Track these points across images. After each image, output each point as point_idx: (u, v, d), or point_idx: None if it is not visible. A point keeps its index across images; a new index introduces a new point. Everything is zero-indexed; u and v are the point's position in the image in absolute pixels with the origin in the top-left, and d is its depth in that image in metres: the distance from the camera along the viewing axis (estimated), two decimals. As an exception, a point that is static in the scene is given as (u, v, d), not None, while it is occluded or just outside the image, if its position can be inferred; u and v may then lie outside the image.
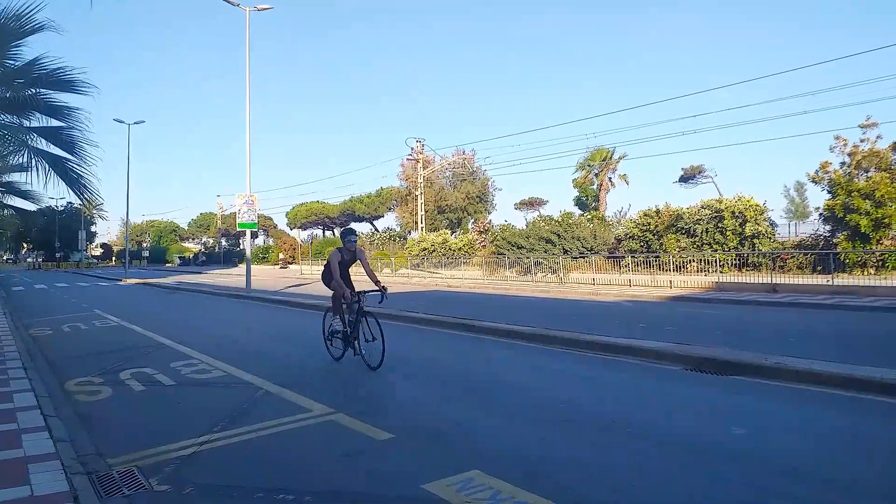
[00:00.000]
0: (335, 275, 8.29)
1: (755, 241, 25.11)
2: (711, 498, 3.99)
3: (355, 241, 8.55)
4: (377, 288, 8.28)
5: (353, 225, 72.55)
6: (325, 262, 9.02)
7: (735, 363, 7.57)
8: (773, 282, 18.77)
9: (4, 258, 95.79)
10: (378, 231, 61.91)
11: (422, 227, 45.83)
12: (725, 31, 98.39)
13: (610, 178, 47.89)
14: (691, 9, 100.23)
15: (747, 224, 25.33)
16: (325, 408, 6.33)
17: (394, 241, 51.00)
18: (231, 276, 40.96)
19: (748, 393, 6.72)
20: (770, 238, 25.62)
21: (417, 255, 39.74)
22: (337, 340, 8.75)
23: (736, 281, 20.33)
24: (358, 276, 9.12)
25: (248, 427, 5.74)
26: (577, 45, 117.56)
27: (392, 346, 10.55)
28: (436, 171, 52.32)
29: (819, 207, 25.94)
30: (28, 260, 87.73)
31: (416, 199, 47.11)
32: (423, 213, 46.58)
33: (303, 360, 9.55)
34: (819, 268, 21.77)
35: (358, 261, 8.67)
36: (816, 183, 25.04)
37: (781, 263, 22.76)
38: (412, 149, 46.90)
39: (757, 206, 25.82)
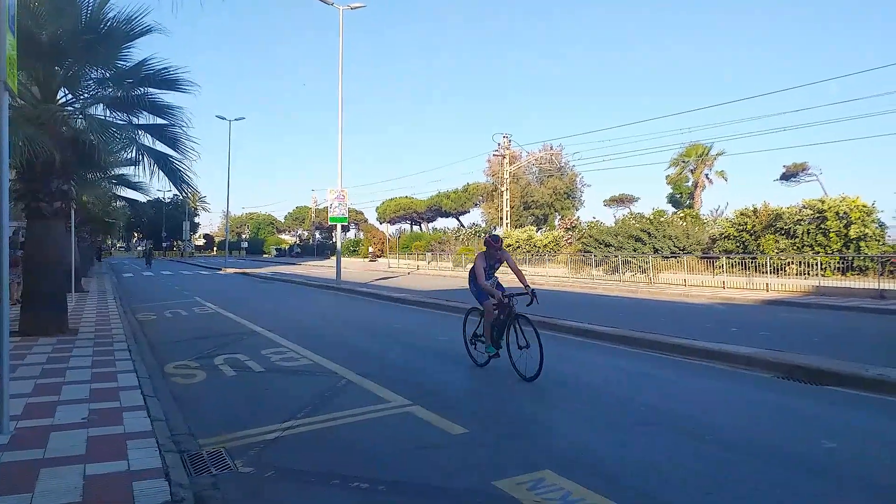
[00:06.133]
0: (479, 277, 7.97)
1: (861, 243, 23.43)
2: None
3: (499, 245, 8.19)
4: (525, 290, 7.69)
5: (440, 220, 73.44)
6: (469, 266, 8.73)
7: (831, 373, 7.12)
8: (881, 287, 17.48)
9: (118, 246, 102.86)
10: (463, 226, 62.18)
11: (507, 223, 45.67)
12: (831, 20, 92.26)
13: (706, 175, 46.11)
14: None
15: (853, 226, 23.68)
16: (403, 399, 6.45)
17: (479, 236, 50.95)
18: (323, 268, 42.31)
19: (844, 405, 6.31)
20: (878, 241, 23.81)
21: (502, 251, 39.57)
22: (480, 345, 8.29)
23: (839, 286, 19.07)
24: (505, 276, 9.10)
25: (330, 415, 5.93)
26: (670, 37, 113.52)
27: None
28: (522, 167, 52.03)
29: (937, 208, 23.90)
30: (139, 248, 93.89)
31: (502, 195, 46.95)
32: (508, 208, 46.41)
33: (385, 351, 9.75)
34: (936, 273, 20.07)
35: (504, 262, 8.27)
36: (934, 181, 23.12)
37: (891, 268, 21.12)
38: (499, 144, 46.77)
39: (864, 206, 24.11)
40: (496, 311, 7.87)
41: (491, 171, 54.24)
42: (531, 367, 7.25)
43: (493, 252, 8.12)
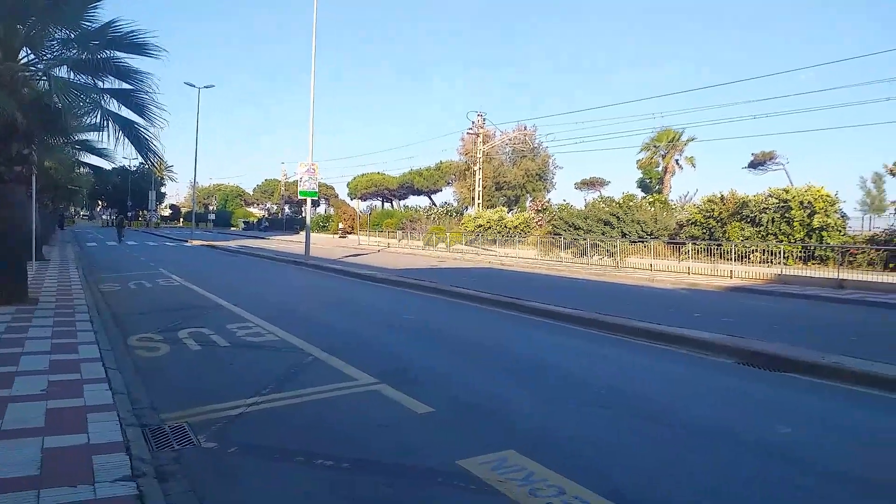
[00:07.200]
0: None
1: (823, 233, 24.00)
2: (746, 494, 3.88)
3: None
4: None
5: (412, 198, 73.08)
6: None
7: (789, 360, 7.32)
8: (840, 277, 17.94)
9: (81, 214, 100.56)
10: (435, 205, 62.05)
11: (479, 203, 45.69)
12: (804, 10, 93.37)
13: (676, 161, 46.69)
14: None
15: (816, 216, 24.21)
16: (370, 378, 6.45)
17: (450, 215, 50.99)
18: (292, 243, 41.92)
19: (800, 391, 6.50)
20: (840, 231, 24.40)
21: (473, 231, 39.67)
22: None
23: (800, 274, 19.53)
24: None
25: (295, 392, 5.92)
26: (646, 21, 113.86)
27: (438, 321, 10.69)
28: (496, 147, 51.94)
29: (897, 201, 24.60)
30: (103, 217, 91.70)
31: (475, 175, 46.90)
32: (480, 188, 46.39)
33: (353, 328, 9.73)
34: (892, 265, 20.65)
35: None
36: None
37: (851, 258, 21.71)
38: (473, 122, 46.57)
39: (827, 196, 24.65)
40: None
41: (464, 150, 54.04)
42: None
43: None
